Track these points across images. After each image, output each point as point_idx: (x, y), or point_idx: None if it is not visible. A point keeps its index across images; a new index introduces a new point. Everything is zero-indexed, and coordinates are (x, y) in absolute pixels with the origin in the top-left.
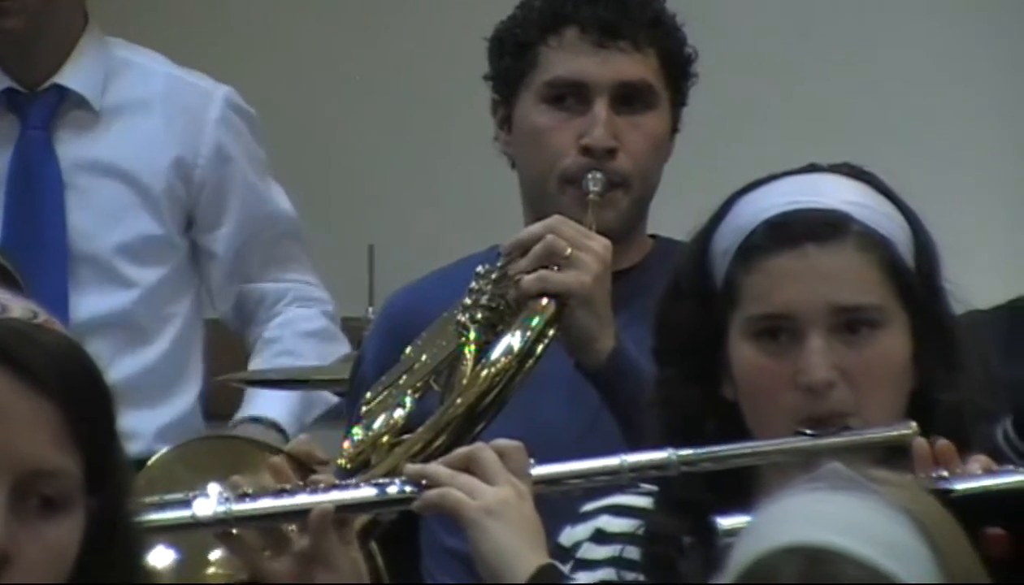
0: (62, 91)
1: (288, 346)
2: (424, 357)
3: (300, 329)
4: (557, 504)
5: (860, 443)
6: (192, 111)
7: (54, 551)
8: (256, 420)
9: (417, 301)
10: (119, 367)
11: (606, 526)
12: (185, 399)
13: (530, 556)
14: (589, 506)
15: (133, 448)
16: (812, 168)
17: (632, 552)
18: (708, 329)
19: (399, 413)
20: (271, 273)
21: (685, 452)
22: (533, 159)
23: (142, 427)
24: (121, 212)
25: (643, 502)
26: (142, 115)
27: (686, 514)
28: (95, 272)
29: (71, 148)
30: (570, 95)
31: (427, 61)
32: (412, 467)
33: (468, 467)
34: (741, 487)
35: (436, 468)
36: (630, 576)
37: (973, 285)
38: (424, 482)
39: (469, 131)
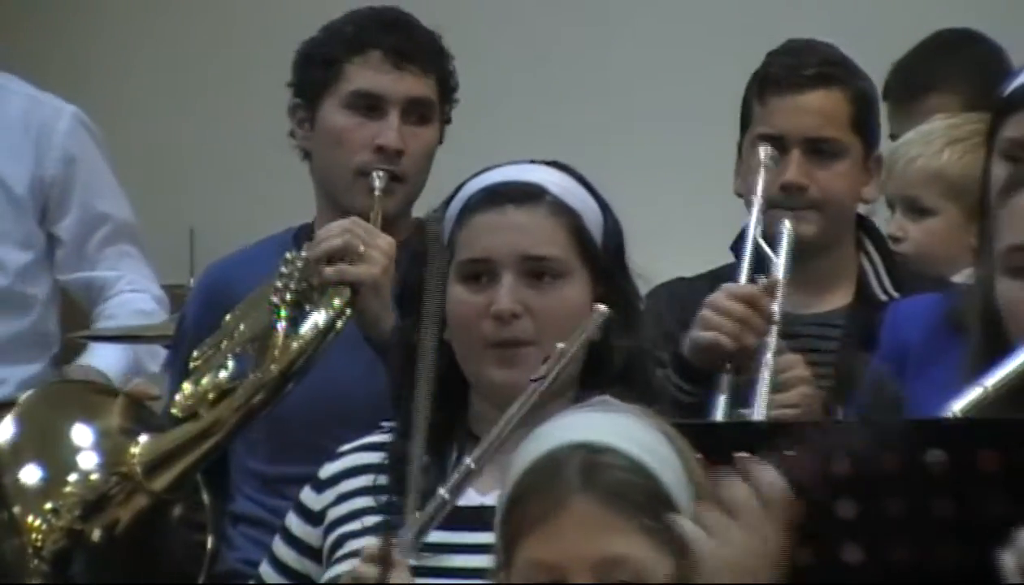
0: None
1: (122, 322)
2: (242, 327)
3: (133, 308)
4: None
5: (575, 346)
6: (46, 125)
7: None
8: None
9: (229, 273)
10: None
11: (359, 460)
12: (45, 357)
13: None
14: (345, 447)
15: (2, 393)
16: (529, 161)
17: (383, 478)
18: (436, 276)
19: (223, 374)
20: (108, 263)
21: None
22: (333, 154)
23: (10, 377)
24: (4, 212)
25: (385, 438)
26: (8, 129)
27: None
28: None
29: None
30: (368, 105)
31: (233, 59)
32: None
33: None
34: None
35: None
36: (383, 498)
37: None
38: None
39: (275, 127)
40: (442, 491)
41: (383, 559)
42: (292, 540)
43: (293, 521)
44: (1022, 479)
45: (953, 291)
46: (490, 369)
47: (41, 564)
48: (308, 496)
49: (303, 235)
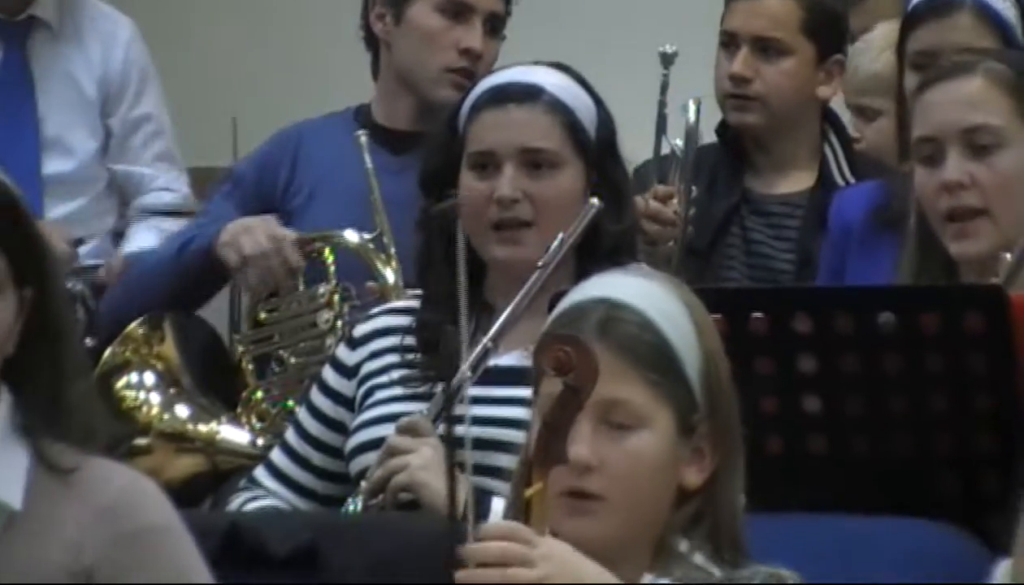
0: (34, 19)
1: (153, 221)
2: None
3: (165, 201)
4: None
5: (578, 232)
6: (110, 34)
7: None
8: None
9: (299, 138)
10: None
11: (389, 322)
12: (102, 233)
13: None
14: (376, 309)
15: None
16: (533, 62)
17: (409, 340)
18: (454, 169)
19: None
20: (147, 161)
21: None
22: (421, 50)
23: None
24: (72, 106)
25: (413, 303)
26: (80, 36)
27: (444, 307)
28: (57, 147)
29: (40, 62)
30: (456, 12)
31: None
32: None
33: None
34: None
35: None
36: (409, 356)
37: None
38: None
39: (315, 20)
40: (464, 368)
41: (413, 430)
42: (328, 391)
43: (329, 375)
44: (958, 338)
45: (889, 180)
46: (494, 247)
47: None
48: (343, 353)
49: (362, 114)
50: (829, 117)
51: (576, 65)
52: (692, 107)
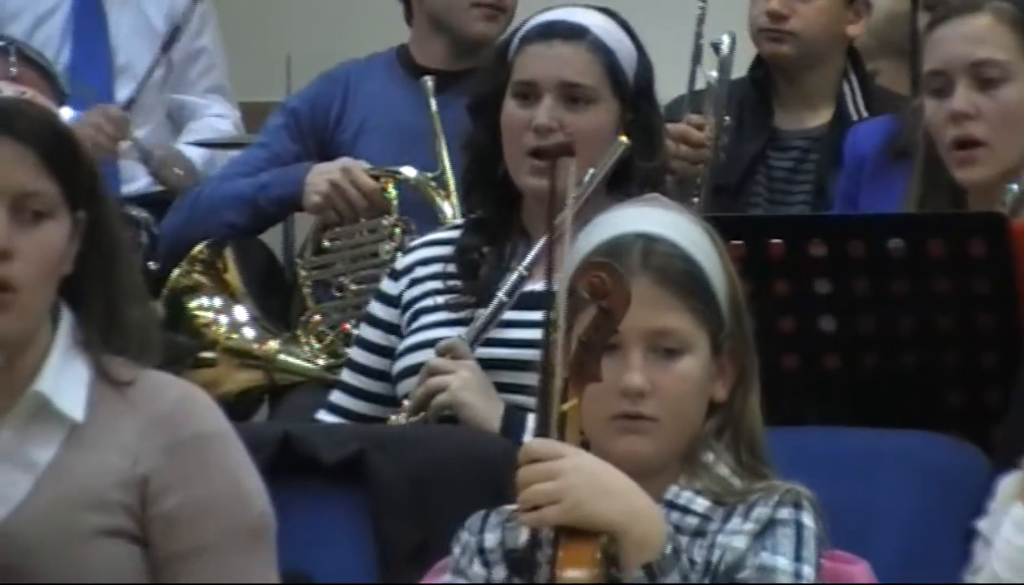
0: None
1: (204, 135)
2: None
3: (215, 128)
4: None
5: (607, 168)
6: None
7: (43, 247)
8: None
9: (346, 77)
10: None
11: (428, 253)
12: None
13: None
14: (414, 241)
15: (134, 188)
16: (579, 4)
17: (451, 267)
18: (499, 97)
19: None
20: (200, 92)
21: None
22: None
23: (140, 173)
24: (140, 36)
25: (454, 234)
26: None
27: (483, 233)
28: (127, 73)
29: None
30: None
31: None
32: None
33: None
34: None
35: None
36: (450, 283)
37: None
38: None
39: None
40: (500, 294)
41: (452, 351)
42: (376, 322)
43: (376, 307)
44: (963, 262)
45: (901, 114)
46: (527, 176)
47: None
48: (387, 284)
49: (403, 54)
50: (851, 54)
51: (613, 2)
52: (727, 40)
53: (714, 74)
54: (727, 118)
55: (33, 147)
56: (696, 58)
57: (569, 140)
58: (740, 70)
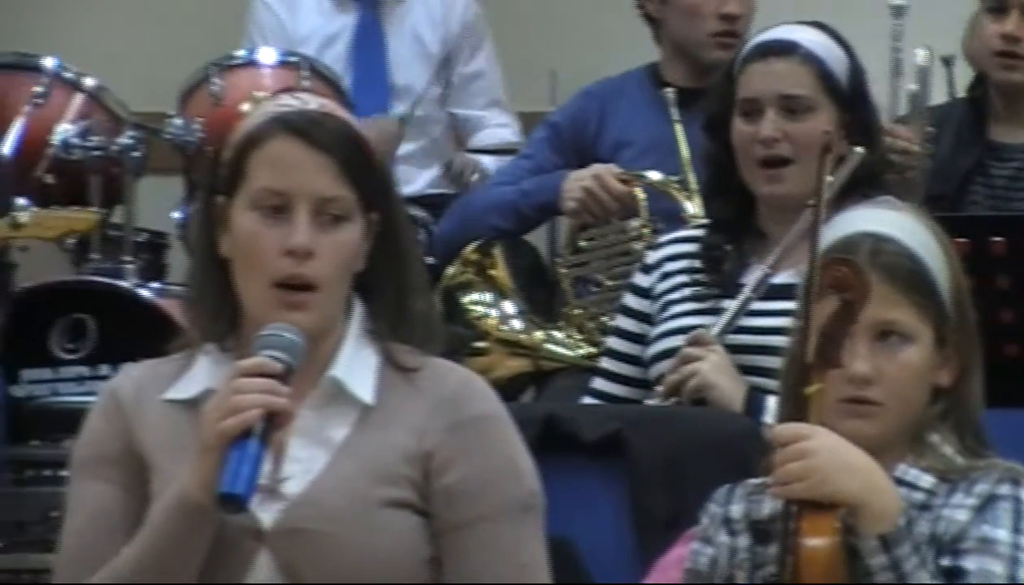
0: None
1: (488, 142)
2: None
3: (497, 137)
4: None
5: (844, 177)
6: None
7: (341, 248)
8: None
9: (600, 96)
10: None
11: (677, 249)
12: (439, 164)
13: None
14: (662, 238)
15: (412, 189)
16: (790, 22)
17: (697, 262)
18: (729, 114)
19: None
20: (481, 105)
21: None
22: (688, 23)
23: (418, 178)
24: (416, 58)
25: (699, 232)
26: (427, 2)
27: (724, 233)
28: (403, 93)
29: (390, 20)
30: None
31: None
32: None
33: None
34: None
35: None
36: (697, 276)
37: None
38: None
39: None
40: (747, 289)
41: (701, 340)
42: (630, 312)
43: (630, 299)
44: None
45: None
46: (761, 184)
47: None
48: (639, 278)
49: (653, 73)
50: None
51: (814, 17)
52: (924, 53)
53: (914, 87)
54: (929, 129)
55: (334, 156)
56: (895, 72)
57: (789, 151)
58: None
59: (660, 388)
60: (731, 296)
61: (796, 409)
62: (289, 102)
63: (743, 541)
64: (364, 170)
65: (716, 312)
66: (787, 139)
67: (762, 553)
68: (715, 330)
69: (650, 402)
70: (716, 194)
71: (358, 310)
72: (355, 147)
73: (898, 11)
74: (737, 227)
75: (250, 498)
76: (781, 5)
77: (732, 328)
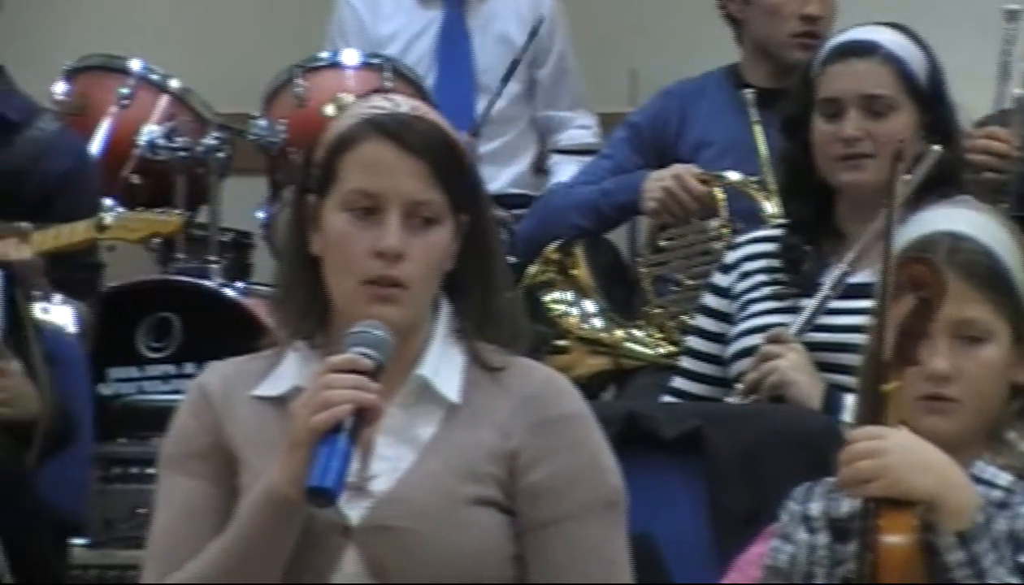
0: None
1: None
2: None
3: (580, 139)
4: None
5: (922, 175)
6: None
7: (430, 249)
8: None
9: (680, 97)
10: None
11: (755, 249)
12: (524, 162)
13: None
14: (741, 238)
15: (495, 187)
16: (868, 23)
17: (776, 262)
18: (807, 115)
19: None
20: (566, 105)
21: None
22: (769, 23)
23: (501, 176)
24: (501, 57)
25: (777, 232)
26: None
27: (803, 233)
28: (488, 91)
29: (476, 19)
30: None
31: None
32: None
33: None
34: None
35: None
36: (776, 275)
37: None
38: None
39: None
40: (825, 288)
41: (780, 339)
42: (710, 312)
43: (710, 299)
44: None
45: None
46: (841, 173)
47: None
48: (719, 277)
49: (734, 73)
50: None
51: (919, 22)
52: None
53: (1020, 91)
54: None
55: (425, 159)
56: (1003, 77)
57: (870, 149)
58: None
59: (739, 386)
60: (810, 295)
61: (873, 406)
62: (381, 104)
63: (822, 539)
64: (455, 172)
65: (795, 311)
66: (869, 138)
67: (841, 551)
68: (794, 329)
69: (730, 400)
70: (794, 195)
71: (445, 309)
72: (446, 149)
73: (1012, 16)
74: (816, 227)
75: (340, 493)
76: (886, 10)
77: (811, 326)
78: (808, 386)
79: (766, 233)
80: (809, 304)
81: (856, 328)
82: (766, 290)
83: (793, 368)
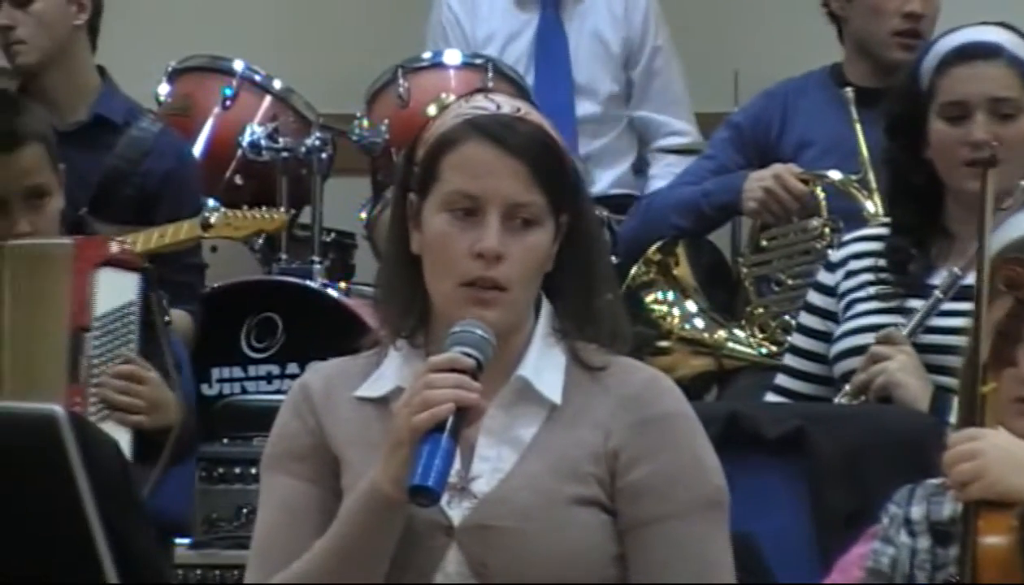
0: None
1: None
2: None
3: (675, 144)
4: None
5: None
6: None
7: (530, 251)
8: None
9: (782, 97)
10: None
11: (861, 248)
12: (625, 165)
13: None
14: (847, 237)
15: (597, 189)
16: (984, 23)
17: (881, 261)
18: (917, 116)
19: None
20: (660, 105)
21: None
22: (871, 22)
23: (603, 178)
24: (598, 57)
25: (883, 231)
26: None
27: (911, 234)
28: (586, 92)
29: (572, 20)
30: None
31: None
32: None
33: None
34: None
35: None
36: (882, 275)
37: None
38: None
39: None
40: (937, 292)
41: (890, 339)
42: (815, 310)
43: (815, 297)
44: None
45: None
46: (967, 181)
47: None
48: (824, 276)
49: (836, 72)
50: None
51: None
52: None
53: None
54: None
55: (525, 161)
56: None
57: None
58: None
59: (848, 387)
60: (916, 296)
61: (972, 408)
62: (482, 104)
63: (923, 543)
64: (555, 174)
65: (901, 311)
66: (1000, 142)
67: (943, 555)
68: (905, 331)
69: (838, 401)
70: (900, 197)
71: (546, 309)
72: (547, 151)
73: None
74: (922, 229)
75: (442, 491)
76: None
77: (922, 328)
78: (917, 388)
79: (872, 231)
80: (921, 306)
81: (967, 331)
82: (871, 290)
83: (902, 370)
